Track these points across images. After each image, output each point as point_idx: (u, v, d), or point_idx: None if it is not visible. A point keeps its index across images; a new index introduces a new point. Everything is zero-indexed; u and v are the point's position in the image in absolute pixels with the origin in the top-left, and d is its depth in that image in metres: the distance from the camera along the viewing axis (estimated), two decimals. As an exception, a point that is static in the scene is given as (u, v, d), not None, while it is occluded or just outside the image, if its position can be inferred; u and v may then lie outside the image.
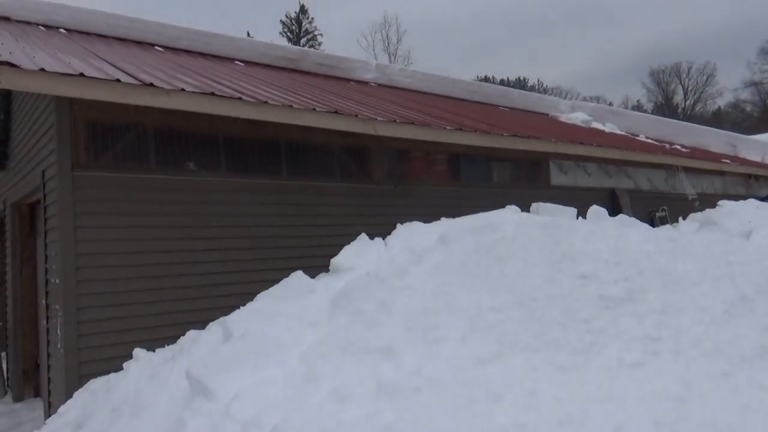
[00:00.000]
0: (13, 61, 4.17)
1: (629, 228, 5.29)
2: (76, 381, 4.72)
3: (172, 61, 7.79)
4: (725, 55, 75.70)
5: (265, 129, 6.08)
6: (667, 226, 8.21)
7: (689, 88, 56.15)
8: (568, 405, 2.67)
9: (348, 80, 11.52)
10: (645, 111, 54.93)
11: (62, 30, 8.45)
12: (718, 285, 4.05)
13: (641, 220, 9.63)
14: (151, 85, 4.76)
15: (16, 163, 7.19)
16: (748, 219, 7.83)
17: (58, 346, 5.02)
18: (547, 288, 3.86)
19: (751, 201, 9.79)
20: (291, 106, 5.65)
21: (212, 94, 5.12)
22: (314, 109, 5.84)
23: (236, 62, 9.96)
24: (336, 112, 6.02)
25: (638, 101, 59.51)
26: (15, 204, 7.48)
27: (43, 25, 8.36)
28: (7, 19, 8.09)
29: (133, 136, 5.46)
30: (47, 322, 5.61)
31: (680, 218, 9.62)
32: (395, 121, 6.56)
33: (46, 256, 5.64)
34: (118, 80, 4.58)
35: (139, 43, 9.14)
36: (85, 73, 4.44)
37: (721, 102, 56.35)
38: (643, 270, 4.11)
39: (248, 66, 9.82)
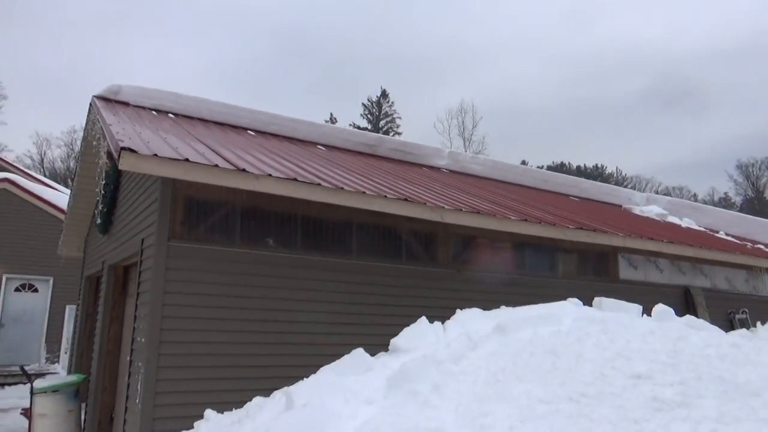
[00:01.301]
0: (133, 147, 4.91)
1: (693, 330, 5.23)
2: (149, 435, 5.11)
3: (262, 146, 8.61)
4: (820, 149, 71.90)
5: (340, 211, 6.58)
6: (743, 330, 7.88)
7: (781, 183, 53.50)
8: (608, 503, 2.72)
9: (421, 166, 12.09)
10: (733, 204, 52.61)
11: (170, 115, 9.58)
12: (782, 397, 3.95)
13: (718, 321, 9.31)
14: (244, 170, 5.38)
15: (119, 229, 8.05)
16: (834, 328, 7.43)
17: (136, 401, 5.47)
18: (599, 385, 3.91)
19: (842, 309, 9.23)
20: (364, 192, 6.13)
21: (295, 179, 5.69)
22: (386, 196, 6.30)
23: (318, 146, 10.79)
24: (406, 200, 6.45)
25: (725, 194, 57.15)
26: (112, 266, 8.29)
27: (154, 110, 9.53)
28: (126, 104, 9.31)
29: (223, 213, 6.09)
30: (129, 377, 6.11)
31: (758, 323, 9.17)
32: (461, 210, 6.90)
33: (135, 316, 6.23)
34: (216, 165, 5.23)
35: (234, 127, 10.16)
36: (190, 159, 5.12)
37: (817, 199, 53.09)
38: (701, 375, 4.08)
39: (329, 150, 10.61)
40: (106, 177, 7.94)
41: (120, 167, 4.87)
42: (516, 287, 7.81)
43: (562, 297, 6.90)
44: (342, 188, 6.01)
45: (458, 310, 5.95)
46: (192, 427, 4.40)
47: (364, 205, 6.17)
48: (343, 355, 4.56)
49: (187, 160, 5.12)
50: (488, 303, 6.47)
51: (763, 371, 4.27)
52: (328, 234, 6.75)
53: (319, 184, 5.85)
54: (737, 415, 3.69)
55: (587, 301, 7.06)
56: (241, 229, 6.19)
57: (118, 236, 8.06)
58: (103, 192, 8.16)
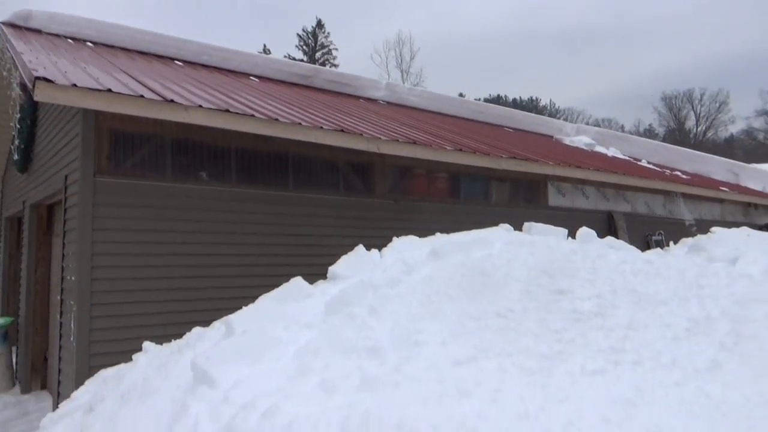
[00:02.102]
0: (49, 77, 4.60)
1: (611, 249, 5.61)
2: (86, 372, 5.09)
3: (191, 77, 8.24)
4: (739, 83, 75.81)
5: (276, 143, 6.48)
6: (657, 249, 8.50)
7: (701, 115, 56.36)
8: (528, 402, 2.99)
9: (358, 98, 11.95)
10: (656, 135, 55.08)
11: (89, 43, 8.95)
12: (685, 305, 4.36)
13: (637, 242, 9.98)
14: (172, 101, 5.17)
15: (39, 167, 7.64)
16: (736, 246, 8.12)
17: (71, 339, 5.40)
18: (525, 301, 4.18)
19: (744, 228, 10.07)
20: (300, 123, 6.05)
21: (227, 110, 5.53)
22: (321, 127, 6.24)
23: (252, 77, 10.43)
24: (342, 131, 6.41)
25: (650, 125, 59.75)
26: (34, 205, 7.91)
27: (71, 38, 8.87)
28: (38, 31, 8.61)
29: (152, 147, 5.87)
30: (61, 316, 5.99)
31: (671, 243, 9.91)
32: (398, 140, 6.94)
33: (63, 254, 6.04)
34: (142, 96, 5.00)
35: (161, 57, 9.63)
36: (113, 89, 4.86)
37: (734, 129, 56.48)
38: (616, 288, 4.43)
39: (263, 81, 10.28)
40: (20, 111, 7.42)
41: (36, 99, 4.58)
42: (451, 215, 8.04)
43: (495, 223, 7.19)
44: (277, 120, 5.90)
45: (395, 238, 6.11)
46: (131, 361, 4.41)
47: (300, 137, 6.10)
48: (282, 285, 4.64)
49: (109, 90, 4.86)
50: (425, 231, 6.66)
51: (670, 283, 4.67)
52: (264, 167, 6.66)
53: (253, 116, 5.72)
54: (646, 322, 4.06)
55: (518, 227, 7.40)
56: (172, 163, 6.01)
57: (38, 174, 7.65)
58: (18, 127, 7.65)
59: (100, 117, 5.45)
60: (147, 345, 4.43)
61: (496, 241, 5.50)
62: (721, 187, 13.36)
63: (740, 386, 3.41)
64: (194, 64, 10.04)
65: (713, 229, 9.91)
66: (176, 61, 9.80)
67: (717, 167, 16.36)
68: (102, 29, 9.25)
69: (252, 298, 4.56)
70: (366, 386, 3.15)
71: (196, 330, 4.35)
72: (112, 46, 9.26)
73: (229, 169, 6.38)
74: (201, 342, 4.03)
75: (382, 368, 3.37)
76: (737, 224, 12.15)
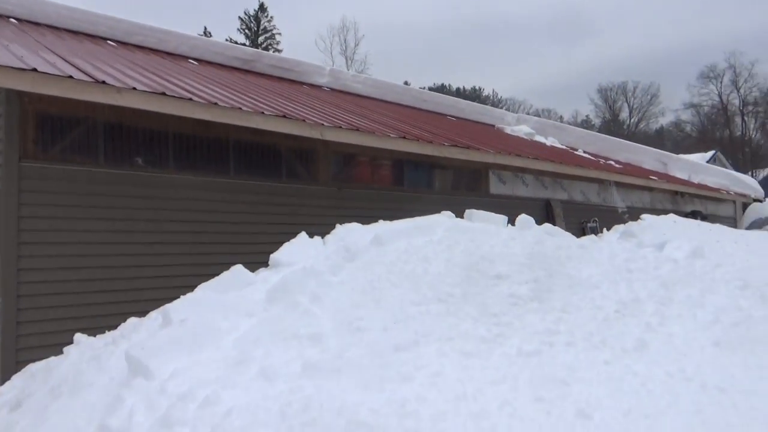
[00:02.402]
0: (-35, 53, 4.30)
1: (548, 235, 5.81)
2: (13, 366, 4.84)
3: (125, 58, 7.90)
4: (669, 77, 79.59)
5: (215, 128, 6.31)
6: (592, 236, 8.87)
7: (634, 107, 58.82)
8: (467, 384, 3.07)
9: (301, 83, 11.79)
10: (593, 126, 57.06)
11: (12, 20, 8.42)
12: (615, 288, 4.57)
13: (572, 229, 10.36)
14: (103, 82, 4.94)
15: (-41, 150, 7.15)
16: (663, 232, 8.56)
17: (-3, 332, 5.12)
18: (465, 286, 4.28)
19: (671, 216, 10.63)
20: (240, 108, 5.91)
21: (163, 93, 5.34)
22: (263, 112, 6.12)
23: (190, 60, 10.10)
24: (284, 116, 6.31)
25: (587, 116, 61.86)
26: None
27: (-8, 13, 8.31)
28: (-46, 5, 8.02)
29: (83, 131, 5.61)
30: (-14, 309, 5.66)
31: (605, 229, 10.34)
32: (341, 127, 6.90)
33: (-13, 244, 5.69)
34: (70, 77, 4.75)
35: (91, 37, 9.17)
36: (38, 69, 4.60)
37: (663, 121, 59.28)
38: (552, 273, 4.59)
39: (202, 65, 9.98)
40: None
41: (-49, 76, 4.27)
42: (395, 203, 8.09)
43: (438, 211, 7.29)
44: (216, 104, 5.74)
45: (338, 225, 6.10)
46: (62, 354, 4.23)
47: (240, 122, 5.97)
48: (221, 273, 4.54)
49: (35, 70, 4.59)
50: (368, 219, 6.67)
51: (602, 268, 4.88)
52: (204, 152, 6.49)
53: (191, 99, 5.55)
54: (579, 305, 4.23)
55: (461, 214, 7.53)
56: (105, 148, 5.77)
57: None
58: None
59: (26, 99, 5.16)
60: (79, 337, 4.26)
61: (437, 228, 5.58)
62: (651, 176, 14.01)
63: (664, 363, 3.61)
64: (128, 44, 9.61)
65: (643, 216, 10.41)
66: (109, 41, 9.35)
67: (647, 157, 17.14)
68: (27, 5, 8.71)
69: (191, 288, 4.44)
70: (307, 373, 3.14)
71: (132, 320, 4.22)
72: (38, 24, 8.74)
73: (166, 154, 6.18)
74: (137, 332, 3.91)
75: (324, 355, 3.37)
76: (665, 211, 12.79)
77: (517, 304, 4.12)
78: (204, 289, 4.28)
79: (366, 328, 3.69)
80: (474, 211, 7.25)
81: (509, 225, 6.81)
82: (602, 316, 4.12)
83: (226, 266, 4.76)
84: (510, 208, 9.08)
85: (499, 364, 3.38)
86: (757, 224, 16.67)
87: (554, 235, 6.10)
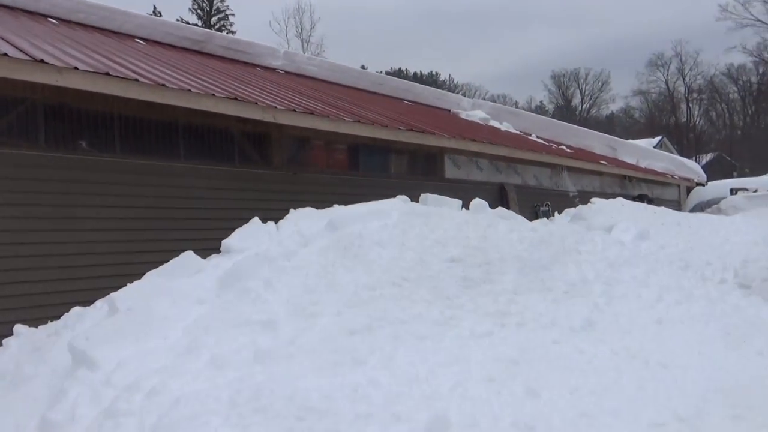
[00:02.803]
0: None
1: (501, 219, 5.89)
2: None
3: (67, 36, 7.54)
4: (619, 64, 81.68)
5: (164, 110, 6.11)
6: (544, 219, 9.06)
7: (586, 93, 60.12)
8: (419, 367, 3.09)
9: (254, 66, 11.54)
10: (547, 111, 58.11)
11: (-59, -7, 7.90)
12: (565, 269, 4.68)
13: (526, 213, 10.55)
14: (42, 61, 4.70)
15: None
16: (612, 215, 8.82)
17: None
18: (419, 270, 4.30)
19: (619, 199, 10.96)
20: (189, 90, 5.74)
21: (107, 74, 5.13)
22: (213, 94, 5.96)
23: (137, 40, 9.72)
24: (236, 99, 6.17)
25: (541, 102, 62.89)
26: None
27: None
28: None
29: (21, 112, 5.33)
30: None
31: (556, 213, 10.59)
32: (295, 110, 6.80)
33: None
34: (5, 54, 4.50)
35: (30, 14, 8.70)
36: (-32, 45, 4.34)
37: (614, 107, 60.88)
38: (504, 256, 4.66)
39: (149, 45, 9.62)
40: None
41: None
42: (350, 187, 8.05)
43: (394, 195, 7.29)
44: (164, 85, 5.56)
45: (292, 210, 6.03)
46: (1, 346, 4.05)
47: (190, 104, 5.80)
48: (170, 260, 4.42)
49: (-36, 46, 4.33)
50: (323, 204, 6.61)
51: (553, 249, 4.99)
52: (152, 136, 6.28)
53: (137, 80, 5.35)
54: (530, 286, 4.32)
55: (416, 199, 7.56)
56: (46, 131, 5.51)
57: None
58: None
59: (-44, 77, 4.85)
60: (19, 328, 4.08)
61: (392, 212, 5.58)
62: (601, 161, 14.40)
63: (610, 342, 3.74)
64: (70, 22, 9.17)
65: (593, 199, 10.69)
66: (50, 19, 8.89)
67: (598, 142, 17.58)
68: (-43, -22, 8.19)
69: (138, 276, 4.31)
70: (259, 360, 3.10)
71: (76, 310, 4.06)
72: (-30, -2, 8.23)
73: (112, 138, 5.94)
74: (81, 322, 3.77)
75: (277, 341, 3.33)
76: (614, 195, 13.15)
77: (470, 287, 4.18)
78: (152, 276, 4.16)
79: (319, 313, 3.67)
80: (429, 195, 7.29)
81: (464, 209, 6.89)
82: (552, 297, 4.22)
83: (176, 253, 4.64)
84: (465, 192, 9.17)
85: (452, 346, 3.42)
86: (699, 207, 17.41)
87: (507, 219, 6.19)
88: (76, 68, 4.94)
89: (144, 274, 4.34)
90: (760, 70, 43.60)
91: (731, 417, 2.78)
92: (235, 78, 8.46)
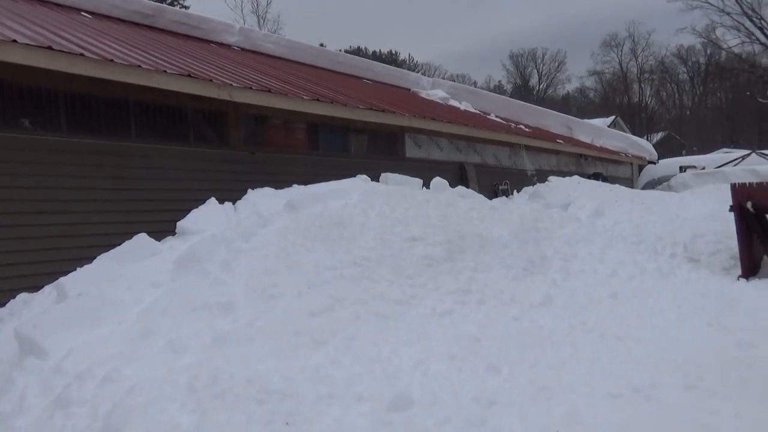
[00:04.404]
0: None
1: (461, 198, 5.92)
2: None
3: (7, 8, 7.10)
4: (575, 44, 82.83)
5: (113, 87, 5.84)
6: (503, 197, 9.18)
7: (543, 73, 60.86)
8: (381, 347, 3.08)
9: (209, 42, 11.16)
10: (505, 91, 58.58)
11: None
12: (524, 247, 4.74)
13: (485, 191, 10.65)
14: (-25, 33, 4.41)
15: None
16: (568, 193, 8.99)
17: None
18: (380, 249, 4.28)
19: (576, 177, 11.19)
20: (139, 66, 5.50)
21: (49, 48, 4.85)
22: (165, 71, 5.73)
23: (82, 13, 9.25)
24: (189, 76, 5.95)
25: (500, 82, 63.32)
26: None
27: None
28: None
29: (-45, 88, 5.01)
30: None
31: (515, 191, 10.74)
32: (251, 88, 6.61)
33: None
34: (-67, 25, 4.19)
35: (-36, -17, 8.16)
36: None
37: (570, 87, 61.90)
38: (464, 234, 4.69)
39: (96, 19, 9.17)
40: None
41: None
42: (310, 167, 7.93)
43: (354, 175, 7.22)
44: (112, 61, 5.30)
45: (250, 190, 5.90)
46: (-58, 335, 3.84)
47: (140, 81, 5.55)
48: (123, 243, 4.27)
49: None
50: (283, 183, 6.48)
51: (512, 227, 5.05)
52: (101, 114, 6.00)
53: (82, 55, 5.08)
54: (490, 264, 4.35)
55: (376, 178, 7.51)
56: (-16, 108, 5.19)
57: None
58: None
59: None
60: (-40, 317, 3.88)
61: (353, 191, 5.53)
62: (557, 140, 14.63)
63: (567, 317, 3.81)
64: (10, -7, 8.65)
65: (550, 178, 10.89)
66: (-14, -10, 8.37)
67: (554, 122, 17.86)
68: None
69: (89, 260, 4.15)
70: (218, 343, 3.03)
71: (22, 296, 3.89)
72: None
73: (57, 116, 5.65)
74: (28, 309, 3.61)
75: (236, 324, 3.27)
76: (570, 173, 13.42)
77: (431, 266, 4.19)
78: (104, 260, 4.01)
79: (279, 294, 3.61)
80: (390, 174, 7.27)
81: (424, 188, 6.89)
82: (512, 275, 4.28)
83: (129, 236, 4.47)
84: (425, 172, 9.17)
85: (414, 324, 3.43)
86: (651, 184, 17.98)
87: (467, 198, 6.23)
88: (15, 41, 4.65)
89: (94, 258, 4.18)
90: (708, 52, 44.98)
91: (683, 386, 2.88)
92: (188, 54, 8.16)
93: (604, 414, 2.59)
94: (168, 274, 3.89)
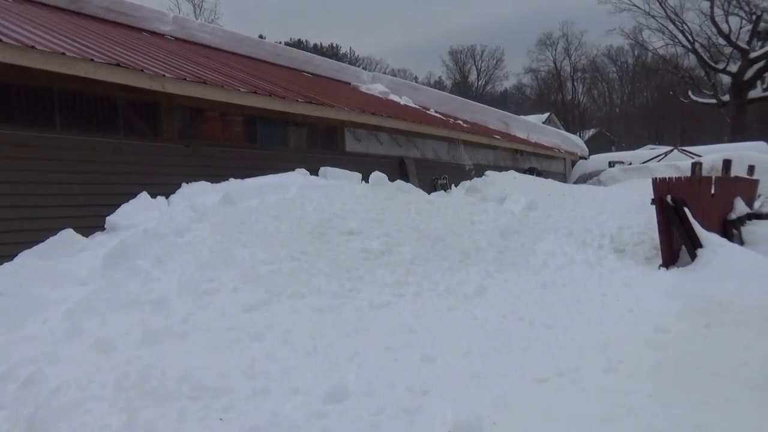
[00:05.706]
0: None
1: (400, 192, 5.99)
2: None
3: None
4: (513, 42, 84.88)
5: (35, 76, 5.54)
6: (441, 191, 9.35)
7: (482, 70, 62.09)
8: (318, 340, 3.09)
9: (140, 30, 10.77)
10: (445, 87, 59.37)
11: None
12: (459, 239, 4.86)
13: (425, 186, 10.81)
14: None
15: None
16: (504, 187, 9.25)
17: None
18: (318, 243, 4.28)
19: (512, 172, 11.53)
20: (63, 53, 5.25)
21: (-38, 32, 4.55)
22: (92, 59, 5.49)
23: (1, -3, 8.71)
24: (118, 65, 5.73)
25: (440, 77, 64.14)
26: None
27: None
28: None
29: None
30: None
31: (453, 185, 10.96)
32: (185, 79, 6.44)
33: None
34: None
35: None
36: None
37: (507, 84, 63.44)
38: (401, 227, 4.75)
39: (17, 3, 8.67)
40: None
41: None
42: (248, 160, 7.80)
43: (293, 169, 7.15)
44: (33, 47, 5.03)
45: (184, 184, 5.76)
46: None
47: (64, 69, 5.30)
48: (47, 239, 4.08)
49: None
50: (219, 177, 6.34)
51: (447, 220, 5.16)
52: (22, 104, 5.68)
53: (0, 41, 4.80)
54: (426, 257, 4.44)
55: (316, 172, 7.48)
56: None
57: None
58: None
59: None
60: None
61: (291, 185, 5.50)
62: (495, 135, 15.00)
63: (500, 306, 3.94)
64: None
65: (487, 172, 11.18)
66: None
67: (492, 118, 18.28)
68: None
69: (9, 257, 3.94)
70: (149, 340, 2.96)
71: (-65, 297, 3.65)
72: None
73: (-28, 105, 5.31)
74: (-59, 310, 3.39)
75: (169, 321, 3.20)
76: (507, 168, 13.79)
77: (369, 259, 4.22)
78: (27, 257, 3.83)
79: (215, 290, 3.56)
80: (329, 168, 7.26)
81: (363, 182, 6.93)
82: (447, 266, 4.38)
83: (54, 232, 4.28)
84: (365, 166, 9.21)
85: (351, 317, 3.46)
86: (582, 179, 18.75)
87: (405, 192, 6.31)
88: (-77, 25, 4.34)
89: (16, 255, 3.97)
90: (636, 53, 47.18)
91: (604, 369, 3.05)
92: (118, 42, 7.85)
93: (531, 397, 2.71)
94: (96, 271, 3.76)
